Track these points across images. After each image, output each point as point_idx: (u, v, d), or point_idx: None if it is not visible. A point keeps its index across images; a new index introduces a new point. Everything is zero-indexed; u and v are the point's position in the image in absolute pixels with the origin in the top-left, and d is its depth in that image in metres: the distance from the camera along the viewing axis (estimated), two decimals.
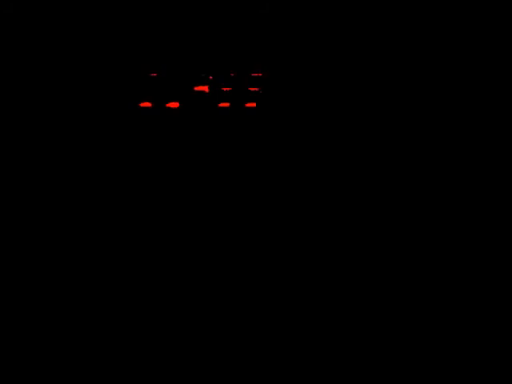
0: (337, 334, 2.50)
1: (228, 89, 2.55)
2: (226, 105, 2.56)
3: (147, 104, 2.54)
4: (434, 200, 2.55)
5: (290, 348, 2.49)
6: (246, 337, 2.50)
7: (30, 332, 2.46)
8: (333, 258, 2.54)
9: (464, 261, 2.53)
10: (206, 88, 2.55)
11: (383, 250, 2.54)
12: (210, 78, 2.55)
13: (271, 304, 2.52)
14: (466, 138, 2.55)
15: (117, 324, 2.49)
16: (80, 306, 2.49)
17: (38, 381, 2.44)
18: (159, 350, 2.49)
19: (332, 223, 2.55)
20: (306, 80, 2.55)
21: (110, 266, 2.52)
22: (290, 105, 2.56)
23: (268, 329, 2.50)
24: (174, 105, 2.55)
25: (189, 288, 2.53)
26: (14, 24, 2.48)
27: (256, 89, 2.55)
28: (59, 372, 2.44)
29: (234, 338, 2.50)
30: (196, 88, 2.55)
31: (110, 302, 2.51)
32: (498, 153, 2.54)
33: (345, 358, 2.48)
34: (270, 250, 2.54)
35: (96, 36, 2.51)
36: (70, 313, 2.49)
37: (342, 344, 2.49)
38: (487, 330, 2.48)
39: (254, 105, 2.56)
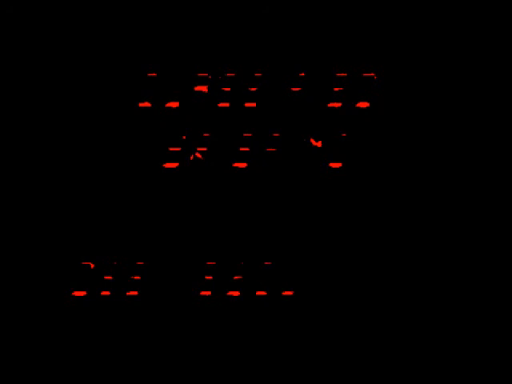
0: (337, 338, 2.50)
1: (228, 89, 2.54)
2: (226, 105, 2.55)
3: (147, 104, 2.53)
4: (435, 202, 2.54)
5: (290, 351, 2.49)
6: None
7: (29, 331, 2.48)
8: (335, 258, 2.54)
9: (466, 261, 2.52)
10: (205, 88, 2.54)
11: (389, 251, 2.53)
12: (210, 77, 2.54)
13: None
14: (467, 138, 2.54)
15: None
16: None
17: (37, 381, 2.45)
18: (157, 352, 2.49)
19: (334, 226, 2.54)
20: (306, 80, 2.54)
21: (108, 267, 2.52)
22: (291, 105, 2.55)
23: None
24: (173, 105, 2.54)
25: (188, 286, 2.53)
26: (14, 24, 2.49)
27: (256, 89, 2.54)
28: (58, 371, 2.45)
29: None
30: (196, 88, 2.54)
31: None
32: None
33: (345, 358, 2.48)
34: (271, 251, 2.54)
35: (95, 36, 2.51)
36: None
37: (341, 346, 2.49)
38: (487, 330, 2.47)
39: (254, 105, 2.55)
